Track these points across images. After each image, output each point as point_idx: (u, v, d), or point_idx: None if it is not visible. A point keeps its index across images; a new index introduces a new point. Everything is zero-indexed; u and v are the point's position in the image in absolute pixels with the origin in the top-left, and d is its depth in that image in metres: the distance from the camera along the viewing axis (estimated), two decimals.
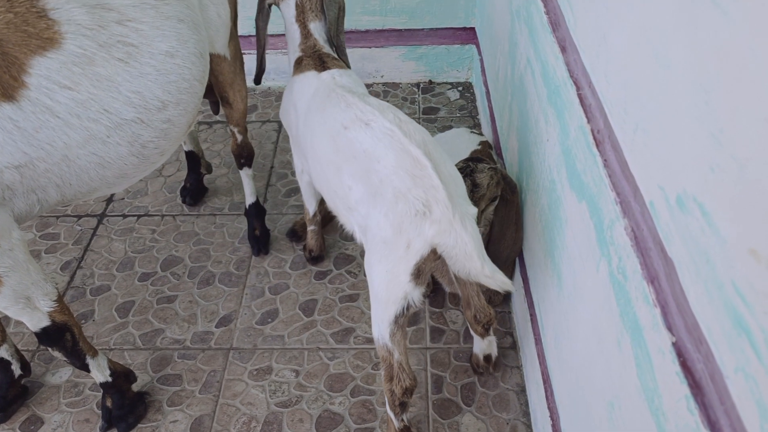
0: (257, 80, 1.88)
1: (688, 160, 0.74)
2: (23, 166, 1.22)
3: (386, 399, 1.48)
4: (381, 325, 1.37)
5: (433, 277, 1.88)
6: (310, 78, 1.62)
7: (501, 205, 1.66)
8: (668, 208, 0.80)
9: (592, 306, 1.13)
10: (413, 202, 1.26)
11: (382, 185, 1.30)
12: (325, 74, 1.59)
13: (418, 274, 1.30)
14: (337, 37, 1.74)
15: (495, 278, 1.30)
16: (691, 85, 0.73)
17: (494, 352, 1.72)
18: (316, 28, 1.72)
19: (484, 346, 1.70)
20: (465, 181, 1.54)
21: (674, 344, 0.78)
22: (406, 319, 1.37)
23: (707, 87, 0.69)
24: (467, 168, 1.60)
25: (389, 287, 1.33)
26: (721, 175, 0.66)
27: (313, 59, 1.66)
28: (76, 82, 1.25)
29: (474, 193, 1.57)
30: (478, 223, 1.49)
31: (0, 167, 1.20)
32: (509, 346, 1.82)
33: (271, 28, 2.72)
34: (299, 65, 1.69)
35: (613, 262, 1.01)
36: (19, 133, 1.20)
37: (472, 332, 1.69)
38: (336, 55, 1.72)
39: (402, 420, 1.51)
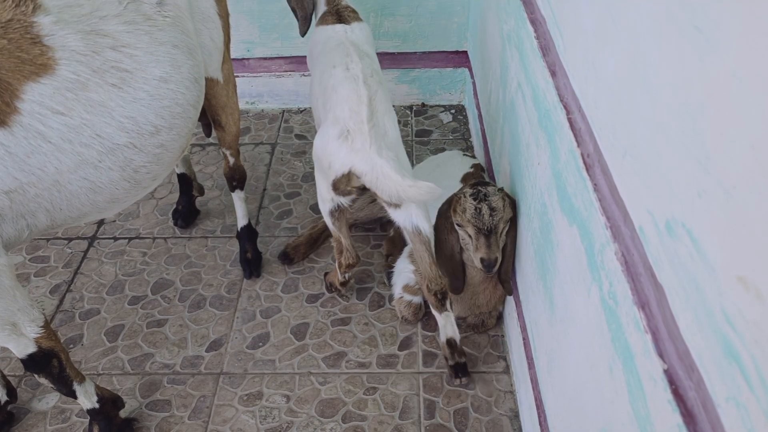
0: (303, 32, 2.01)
1: (676, 185, 0.74)
2: (13, 191, 1.21)
3: (336, 265, 1.90)
4: (324, 215, 1.77)
5: (427, 307, 1.87)
6: (327, 30, 1.87)
7: (511, 226, 1.66)
8: (657, 233, 0.79)
9: (584, 331, 1.12)
10: (342, 128, 1.56)
11: (330, 112, 1.62)
12: (339, 27, 1.84)
13: (336, 187, 1.63)
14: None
15: (419, 186, 1.47)
16: (677, 111, 0.73)
17: (456, 335, 1.74)
18: None
19: (443, 323, 1.73)
20: (482, 207, 1.58)
21: (666, 371, 0.77)
22: (342, 214, 1.74)
23: (693, 113, 0.69)
24: (479, 193, 1.60)
25: (320, 190, 1.72)
26: (708, 201, 0.66)
27: (332, 14, 1.90)
28: (69, 107, 1.24)
29: (493, 217, 1.58)
30: (498, 246, 1.61)
31: None
32: (502, 371, 1.80)
33: (266, 51, 2.74)
34: (323, 19, 1.93)
35: (604, 286, 1.00)
36: (10, 159, 1.19)
37: (431, 308, 1.75)
38: (353, 8, 1.95)
39: (344, 277, 1.94)
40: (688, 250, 0.70)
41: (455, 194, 1.67)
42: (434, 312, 1.74)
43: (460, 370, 1.76)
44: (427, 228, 1.63)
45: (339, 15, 1.89)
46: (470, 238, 1.62)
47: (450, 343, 1.74)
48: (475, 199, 1.60)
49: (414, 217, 1.61)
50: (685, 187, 0.71)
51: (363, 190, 1.63)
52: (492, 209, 1.59)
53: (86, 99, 1.26)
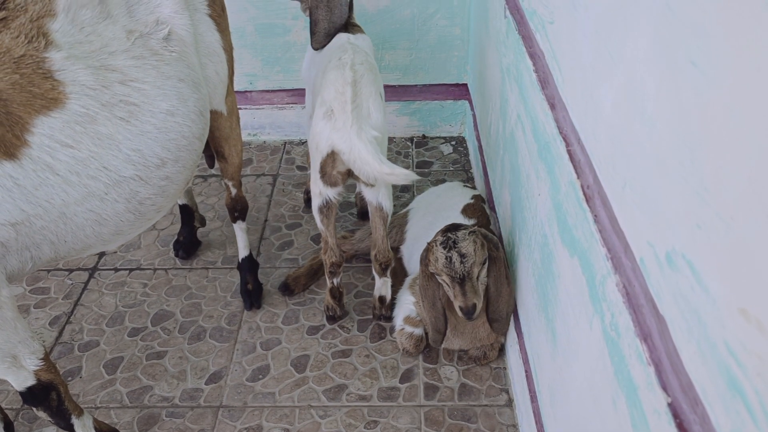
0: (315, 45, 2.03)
1: (675, 217, 0.75)
2: (20, 223, 1.22)
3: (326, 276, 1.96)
4: (314, 212, 1.82)
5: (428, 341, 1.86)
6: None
7: (491, 265, 1.65)
8: (658, 264, 0.79)
9: (587, 363, 1.11)
10: (327, 108, 1.64)
11: (318, 96, 1.72)
12: (343, 35, 1.95)
13: (323, 173, 1.70)
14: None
15: (395, 173, 1.56)
16: (675, 144, 0.74)
17: (388, 295, 2.00)
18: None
19: (380, 285, 1.98)
20: (452, 255, 1.58)
21: (670, 405, 0.77)
22: (330, 211, 1.80)
23: (692, 145, 0.70)
24: (448, 241, 1.59)
25: (313, 185, 1.78)
26: (708, 233, 0.66)
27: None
28: (78, 140, 1.26)
29: (464, 263, 1.57)
30: (476, 291, 1.59)
31: None
32: (505, 404, 1.78)
33: (268, 84, 2.78)
34: None
35: (606, 318, 1.00)
36: (19, 191, 1.20)
37: (374, 272, 1.96)
38: (359, 24, 2.06)
39: (332, 283, 1.96)
40: (689, 281, 0.70)
41: (429, 242, 1.67)
42: (375, 274, 1.96)
43: (384, 318, 2.03)
44: (388, 206, 1.82)
45: (345, 27, 1.99)
46: (448, 285, 1.62)
47: (381, 299, 2.01)
48: (444, 248, 1.58)
49: (380, 196, 1.78)
50: (685, 218, 0.71)
51: (348, 175, 1.72)
52: (462, 256, 1.57)
53: (94, 132, 1.28)
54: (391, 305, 2.01)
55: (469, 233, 1.61)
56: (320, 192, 1.76)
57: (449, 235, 1.61)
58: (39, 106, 1.22)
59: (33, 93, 1.22)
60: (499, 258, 1.67)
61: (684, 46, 0.72)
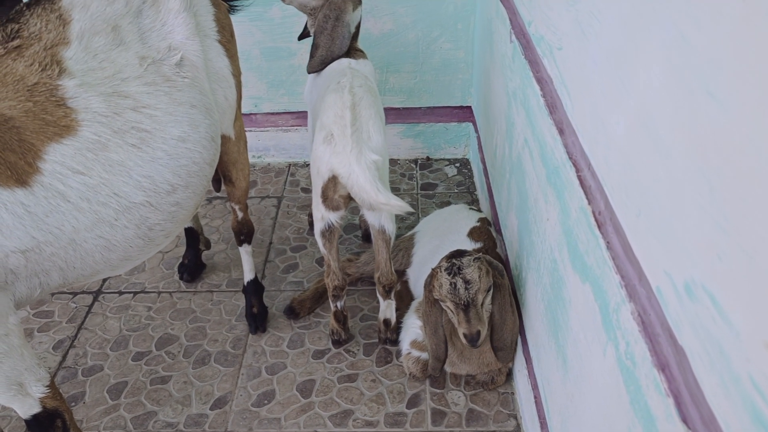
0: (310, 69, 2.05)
1: (693, 247, 0.74)
2: (30, 250, 1.22)
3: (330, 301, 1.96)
4: (316, 236, 1.82)
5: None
6: (333, 64, 1.99)
7: (495, 292, 1.64)
8: (676, 294, 0.79)
9: (601, 391, 1.10)
10: (327, 132, 1.65)
11: (318, 120, 1.73)
12: (344, 60, 1.97)
13: (325, 197, 1.71)
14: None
15: (391, 204, 1.58)
16: (693, 174, 0.74)
17: (392, 318, 1.98)
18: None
19: (384, 307, 1.97)
20: (457, 281, 1.56)
21: None
22: (332, 234, 1.79)
23: (710, 176, 0.70)
24: (453, 267, 1.58)
25: (315, 210, 1.78)
26: (729, 265, 0.66)
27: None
28: (89, 167, 1.26)
29: (468, 290, 1.56)
30: (480, 318, 1.57)
31: (6, 251, 1.19)
32: (513, 430, 1.76)
33: (273, 106, 2.79)
34: None
35: (621, 346, 0.99)
36: (30, 218, 1.20)
37: (378, 295, 1.95)
38: (362, 50, 2.07)
39: (336, 306, 1.95)
40: (710, 313, 0.70)
41: (434, 268, 1.66)
42: (379, 297, 1.95)
43: (389, 342, 2.01)
44: (390, 228, 1.81)
45: (348, 52, 2.01)
46: (452, 312, 1.61)
47: (386, 322, 1.99)
48: (449, 274, 1.57)
49: (382, 219, 1.79)
50: (705, 249, 0.71)
51: (350, 199, 1.72)
52: (467, 282, 1.56)
53: (106, 159, 1.28)
54: (397, 328, 2.00)
55: (474, 259, 1.60)
56: (322, 216, 1.76)
57: (454, 261, 1.60)
58: (51, 134, 1.23)
59: (46, 120, 1.23)
60: (504, 285, 1.66)
61: (700, 76, 0.72)
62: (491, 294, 1.62)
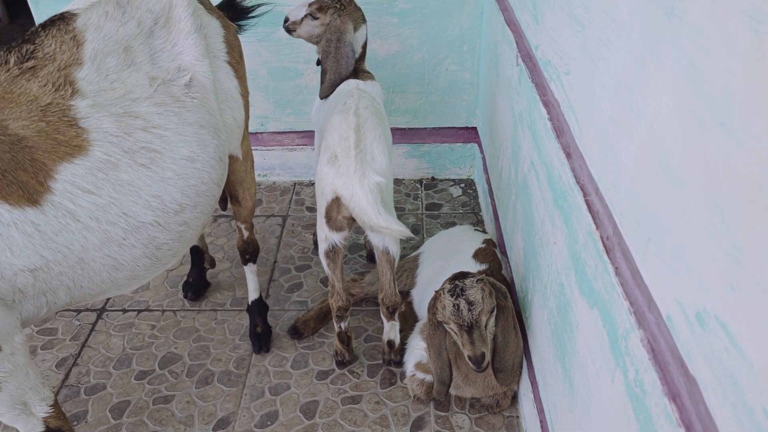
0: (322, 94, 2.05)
1: (706, 276, 0.74)
2: (38, 269, 1.22)
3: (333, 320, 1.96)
4: (321, 257, 1.82)
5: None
6: (342, 85, 2.00)
7: (499, 314, 1.63)
8: (687, 323, 0.79)
9: (609, 418, 1.09)
10: (331, 154, 1.66)
11: (323, 140, 1.75)
12: (352, 81, 1.98)
13: (329, 218, 1.71)
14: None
15: (392, 228, 1.59)
16: (704, 202, 0.74)
17: (396, 339, 1.99)
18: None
19: (388, 328, 1.97)
20: (460, 302, 1.56)
21: None
22: (336, 255, 1.80)
23: (722, 205, 0.70)
24: (456, 288, 1.58)
25: (319, 231, 1.79)
26: (742, 296, 0.66)
27: (351, 73, 2.04)
28: (99, 186, 1.27)
29: (472, 311, 1.56)
30: (484, 340, 1.57)
31: (15, 270, 1.19)
32: None
33: (279, 126, 2.80)
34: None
35: (630, 373, 0.99)
36: (39, 237, 1.21)
37: (381, 316, 1.94)
38: (371, 72, 2.08)
39: (340, 327, 1.95)
40: (722, 344, 0.69)
41: (437, 290, 1.66)
42: (383, 318, 1.94)
43: (393, 363, 2.01)
44: (395, 250, 1.81)
45: (356, 73, 2.02)
46: (456, 334, 1.61)
47: (390, 343, 1.99)
48: (452, 295, 1.57)
49: (386, 240, 1.78)
50: (717, 279, 0.71)
51: (354, 220, 1.71)
52: (470, 303, 1.55)
53: (116, 178, 1.29)
54: (401, 350, 1.99)
55: (476, 281, 1.60)
56: (326, 237, 1.76)
57: (457, 283, 1.60)
58: (63, 153, 1.24)
59: (58, 140, 1.24)
60: (507, 307, 1.65)
61: (711, 106, 0.72)
62: (494, 315, 1.62)
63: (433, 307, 1.66)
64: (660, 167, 0.87)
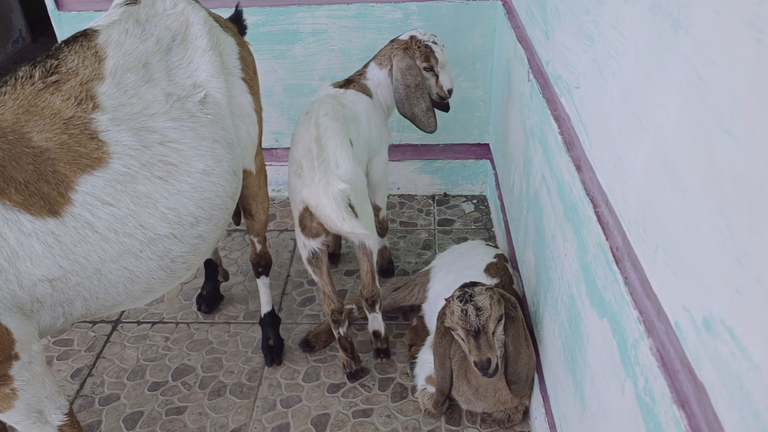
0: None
1: (712, 282, 0.75)
2: (57, 279, 1.25)
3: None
4: (306, 266, 1.88)
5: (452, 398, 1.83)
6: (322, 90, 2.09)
7: (509, 324, 1.64)
8: (695, 329, 0.79)
9: (619, 428, 1.09)
10: (297, 166, 1.73)
11: (290, 152, 1.84)
12: (332, 89, 2.04)
13: (303, 226, 1.78)
14: (411, 111, 2.09)
15: (356, 232, 1.64)
16: (710, 209, 0.75)
17: (381, 329, 2.05)
18: (373, 69, 2.11)
19: (371, 320, 2.04)
20: (468, 308, 1.58)
21: None
22: (319, 260, 1.84)
23: (727, 211, 0.71)
24: (465, 295, 1.60)
25: (298, 239, 1.85)
26: (748, 299, 0.66)
27: (344, 81, 2.10)
28: (118, 198, 1.30)
29: (479, 316, 1.57)
30: (491, 346, 1.57)
31: (34, 280, 1.22)
32: None
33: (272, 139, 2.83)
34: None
35: (640, 382, 0.99)
36: (59, 247, 1.24)
37: (364, 308, 2.02)
38: (369, 87, 2.09)
39: (339, 333, 1.97)
40: (729, 348, 0.70)
41: (447, 298, 1.67)
42: (366, 311, 2.02)
43: (382, 353, 2.08)
44: (370, 243, 1.88)
45: (347, 82, 2.07)
46: (463, 340, 1.61)
47: (375, 334, 2.06)
48: (461, 301, 1.59)
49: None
50: (723, 283, 0.72)
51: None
52: (478, 309, 1.57)
53: (134, 191, 1.32)
54: (387, 338, 2.09)
55: (486, 289, 1.62)
56: (304, 244, 1.83)
57: (466, 290, 1.62)
58: (84, 165, 1.27)
59: (79, 153, 1.27)
60: (518, 318, 1.66)
61: (717, 115, 0.73)
62: (503, 323, 1.62)
63: (442, 315, 1.67)
64: (667, 175, 0.88)
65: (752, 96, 0.66)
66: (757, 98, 0.65)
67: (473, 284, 1.66)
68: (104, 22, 1.48)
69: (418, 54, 2.05)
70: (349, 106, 1.95)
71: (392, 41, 2.11)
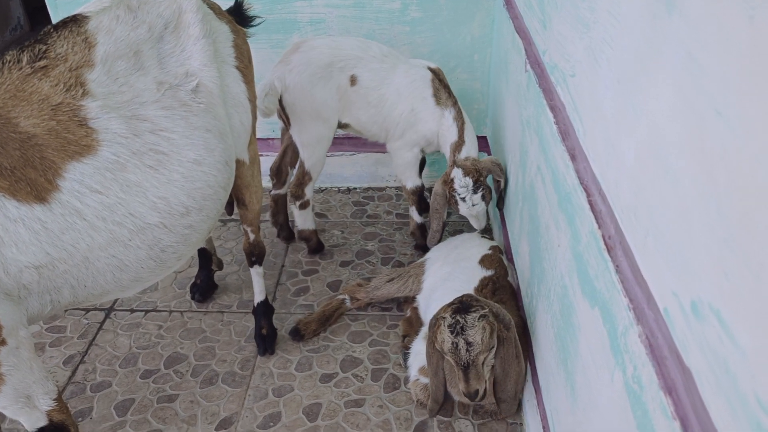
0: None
1: (700, 266, 0.74)
2: (44, 266, 1.24)
3: None
4: None
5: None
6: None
7: (499, 346, 1.62)
8: (683, 315, 0.78)
9: (608, 417, 1.08)
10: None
11: None
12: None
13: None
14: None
15: None
16: (700, 193, 0.74)
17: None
18: (451, 123, 2.31)
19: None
20: (459, 341, 1.54)
21: None
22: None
23: (717, 195, 0.70)
24: (457, 325, 1.55)
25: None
26: (736, 283, 0.65)
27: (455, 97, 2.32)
28: (107, 186, 1.29)
29: (470, 352, 1.54)
30: (480, 377, 1.58)
31: (21, 266, 1.21)
32: None
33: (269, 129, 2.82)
34: None
35: (628, 370, 0.98)
36: (46, 234, 1.22)
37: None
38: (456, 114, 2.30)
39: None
40: (716, 332, 0.69)
41: (437, 313, 1.64)
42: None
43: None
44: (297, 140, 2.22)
45: (455, 98, 2.33)
46: (453, 366, 1.61)
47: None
48: (452, 332, 1.55)
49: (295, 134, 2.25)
50: (711, 268, 0.71)
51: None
52: (469, 344, 1.54)
53: (123, 179, 1.31)
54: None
55: (479, 318, 1.56)
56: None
57: (458, 318, 1.57)
58: (72, 152, 1.26)
59: (67, 139, 1.26)
60: (509, 338, 1.63)
61: (708, 95, 0.72)
62: (494, 350, 1.61)
63: (433, 330, 1.63)
64: (659, 161, 0.87)
65: (743, 76, 0.65)
66: (748, 78, 0.64)
67: (467, 307, 1.60)
68: (95, 7, 1.46)
69: (448, 193, 2.19)
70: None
71: (454, 148, 2.27)
